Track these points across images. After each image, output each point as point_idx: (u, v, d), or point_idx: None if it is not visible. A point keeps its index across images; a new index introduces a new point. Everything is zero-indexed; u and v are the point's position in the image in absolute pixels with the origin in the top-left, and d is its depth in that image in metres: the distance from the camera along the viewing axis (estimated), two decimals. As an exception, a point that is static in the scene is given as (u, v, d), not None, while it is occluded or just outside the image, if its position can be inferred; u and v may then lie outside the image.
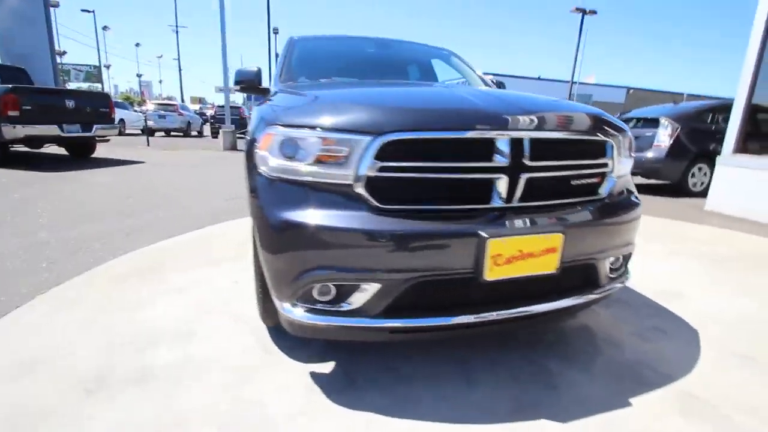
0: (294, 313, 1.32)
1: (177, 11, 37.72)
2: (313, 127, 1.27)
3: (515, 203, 1.33)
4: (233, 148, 11.46)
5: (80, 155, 7.84)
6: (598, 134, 1.46)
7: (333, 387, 1.45)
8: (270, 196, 1.32)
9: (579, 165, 1.43)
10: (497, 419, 1.32)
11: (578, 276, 1.48)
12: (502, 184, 1.30)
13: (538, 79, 37.46)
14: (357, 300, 1.28)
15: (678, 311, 2.08)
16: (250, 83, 2.42)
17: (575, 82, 26.88)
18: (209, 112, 28.29)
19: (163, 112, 17.01)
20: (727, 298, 2.29)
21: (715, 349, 1.74)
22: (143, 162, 7.83)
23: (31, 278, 2.32)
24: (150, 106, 18.30)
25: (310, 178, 1.27)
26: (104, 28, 42.32)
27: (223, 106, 17.07)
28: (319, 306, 1.32)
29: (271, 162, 1.32)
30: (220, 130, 11.75)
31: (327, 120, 1.27)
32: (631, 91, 40.24)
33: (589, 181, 1.49)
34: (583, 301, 1.50)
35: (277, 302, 1.38)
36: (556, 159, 1.36)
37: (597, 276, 1.52)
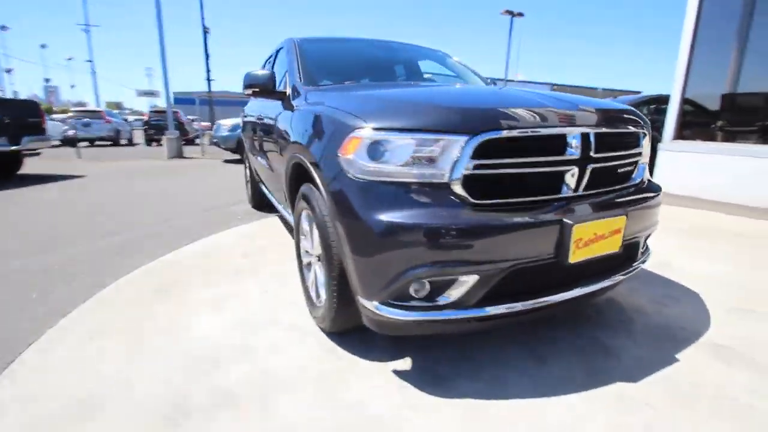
0: (390, 311, 1.34)
1: (87, 8, 34.11)
2: (407, 129, 1.31)
3: (581, 191, 1.47)
4: (179, 155, 10.72)
5: (5, 172, 6.89)
6: (636, 126, 1.65)
7: (422, 381, 1.49)
8: (364, 199, 1.32)
9: (625, 155, 1.61)
10: (580, 386, 1.45)
11: (626, 253, 1.66)
12: (573, 174, 1.43)
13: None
14: (455, 293, 1.34)
15: (676, 279, 2.39)
16: (263, 87, 2.34)
17: (506, 80, 28.73)
18: (131, 118, 26.05)
19: (87, 119, 15.41)
20: (707, 264, 2.67)
21: (720, 307, 2.04)
22: (84, 176, 7.08)
23: (27, 312, 2.06)
24: (70, 114, 16.48)
25: (404, 179, 1.31)
26: (2, 27, 37.09)
27: (159, 111, 15.90)
28: (413, 303, 1.36)
29: (361, 165, 1.33)
30: (164, 137, 10.91)
31: (422, 121, 1.31)
32: (555, 87, 43.80)
33: (629, 168, 1.68)
34: (628, 275, 1.69)
35: (366, 303, 1.39)
36: (611, 150, 1.53)
37: (636, 252, 1.72)
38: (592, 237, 1.40)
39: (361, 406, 1.37)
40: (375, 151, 1.32)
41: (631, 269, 1.68)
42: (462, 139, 1.28)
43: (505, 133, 1.30)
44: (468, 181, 1.30)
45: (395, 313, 1.35)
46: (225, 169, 8.34)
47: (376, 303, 1.36)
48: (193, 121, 18.93)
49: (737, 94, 4.81)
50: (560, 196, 1.44)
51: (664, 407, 1.35)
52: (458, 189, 1.30)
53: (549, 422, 1.29)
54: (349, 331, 1.72)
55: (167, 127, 11.49)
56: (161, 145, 11.58)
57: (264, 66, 4.34)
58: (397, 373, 1.54)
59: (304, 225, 1.91)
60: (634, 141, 1.67)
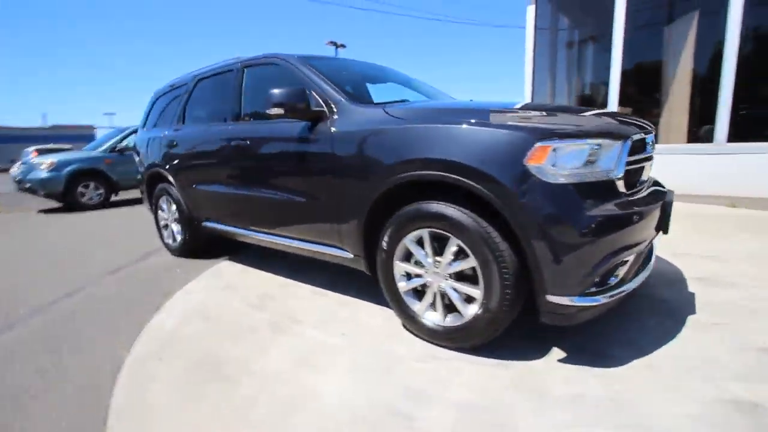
0: (586, 300, 1.49)
1: None
2: (597, 136, 1.50)
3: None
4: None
5: None
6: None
7: (593, 360, 1.65)
8: (562, 200, 1.44)
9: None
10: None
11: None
12: (647, 168, 1.88)
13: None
14: (621, 272, 1.59)
15: (684, 258, 2.83)
16: (296, 106, 2.09)
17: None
18: None
19: None
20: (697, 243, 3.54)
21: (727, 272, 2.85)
22: None
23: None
24: None
25: (585, 180, 1.48)
26: None
27: None
28: (593, 289, 1.53)
29: (556, 170, 1.44)
30: None
31: (605, 131, 1.55)
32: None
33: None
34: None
35: (557, 299, 1.49)
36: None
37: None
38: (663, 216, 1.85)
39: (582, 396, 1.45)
40: (564, 157, 1.46)
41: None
42: (621, 143, 1.55)
43: (636, 137, 1.64)
44: (623, 177, 1.58)
45: (589, 300, 1.49)
46: (62, 221, 6.34)
47: (572, 296, 1.48)
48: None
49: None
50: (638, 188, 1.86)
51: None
52: (621, 184, 1.56)
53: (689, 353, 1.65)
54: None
55: None
56: None
57: (151, 110, 3.76)
58: (564, 360, 1.66)
59: (414, 247, 1.82)
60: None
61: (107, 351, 1.98)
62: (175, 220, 3.57)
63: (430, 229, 1.74)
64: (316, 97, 2.19)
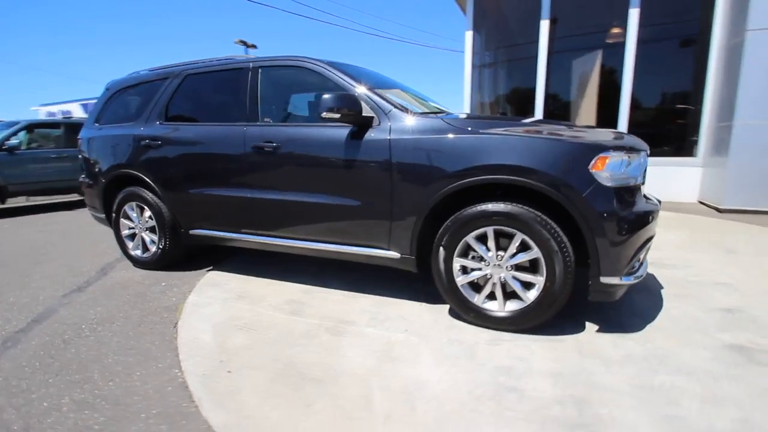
0: (627, 279, 1.88)
1: None
2: (629, 150, 1.88)
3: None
4: None
5: None
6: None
7: (630, 330, 2.05)
8: (617, 199, 1.80)
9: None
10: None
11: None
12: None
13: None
14: (641, 256, 2.02)
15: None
16: (353, 112, 2.15)
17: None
18: None
19: None
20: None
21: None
22: None
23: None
24: None
25: (627, 184, 1.87)
26: None
27: None
28: (631, 271, 1.93)
29: (609, 176, 1.80)
30: None
31: (633, 146, 1.93)
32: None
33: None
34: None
35: (609, 279, 1.85)
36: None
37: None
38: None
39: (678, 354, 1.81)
40: (615, 165, 1.82)
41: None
42: (643, 155, 1.98)
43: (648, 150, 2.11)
44: (638, 184, 2.02)
45: (629, 279, 1.88)
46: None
47: (620, 277, 1.85)
48: None
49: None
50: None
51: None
52: (643, 189, 1.99)
53: (678, 316, 2.16)
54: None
55: None
56: None
57: (106, 104, 3.40)
58: (600, 331, 2.03)
59: (475, 244, 2.03)
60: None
61: (157, 373, 1.78)
62: (149, 228, 3.19)
63: (494, 227, 1.97)
64: (364, 103, 2.26)
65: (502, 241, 2.01)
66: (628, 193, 1.88)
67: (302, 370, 1.77)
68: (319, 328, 2.16)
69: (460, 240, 2.05)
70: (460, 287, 2.11)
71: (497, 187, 2.01)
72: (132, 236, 3.32)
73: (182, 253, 3.26)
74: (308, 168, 2.43)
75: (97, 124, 3.47)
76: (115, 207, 3.28)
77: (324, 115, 2.12)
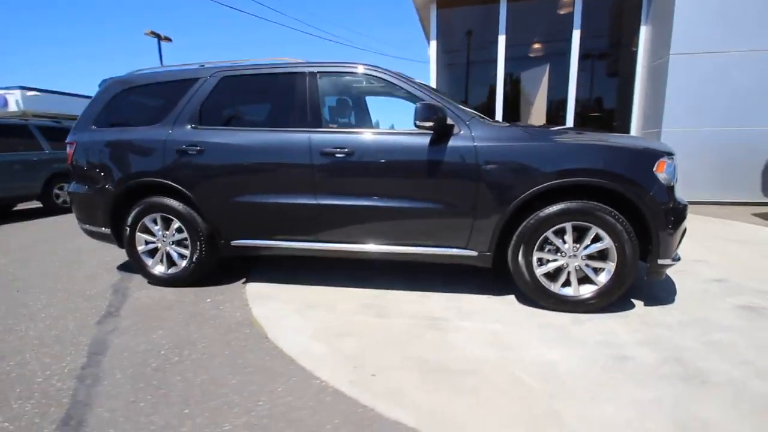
0: (671, 261, 2.33)
1: None
2: (670, 154, 2.31)
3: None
4: None
5: None
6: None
7: (668, 302, 2.51)
8: (672, 196, 2.23)
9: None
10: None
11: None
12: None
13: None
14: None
15: None
16: (440, 121, 2.30)
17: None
18: None
19: None
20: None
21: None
22: None
23: None
24: None
25: (673, 183, 2.31)
26: None
27: None
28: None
29: (666, 177, 2.22)
30: None
31: (671, 150, 2.37)
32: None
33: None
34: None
35: (664, 261, 2.28)
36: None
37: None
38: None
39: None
40: (670, 169, 2.24)
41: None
42: (674, 159, 2.45)
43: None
44: (668, 183, 2.50)
45: (676, 261, 2.34)
46: None
47: (671, 259, 2.29)
48: None
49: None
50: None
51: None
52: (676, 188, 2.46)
53: (688, 288, 2.72)
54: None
55: None
56: None
57: (105, 108, 3.12)
58: (647, 305, 2.47)
59: (553, 237, 2.32)
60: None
61: (301, 386, 1.74)
62: (175, 242, 2.94)
63: (572, 222, 2.29)
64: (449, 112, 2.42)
65: (573, 234, 2.34)
66: (674, 191, 2.34)
67: (443, 365, 1.88)
68: (418, 327, 2.27)
69: (541, 235, 2.33)
70: (539, 277, 2.39)
71: (566, 187, 2.33)
72: (151, 252, 3.01)
73: (215, 266, 3.06)
74: (385, 173, 2.51)
75: (95, 127, 3.06)
76: (130, 221, 2.94)
77: (418, 123, 2.24)
